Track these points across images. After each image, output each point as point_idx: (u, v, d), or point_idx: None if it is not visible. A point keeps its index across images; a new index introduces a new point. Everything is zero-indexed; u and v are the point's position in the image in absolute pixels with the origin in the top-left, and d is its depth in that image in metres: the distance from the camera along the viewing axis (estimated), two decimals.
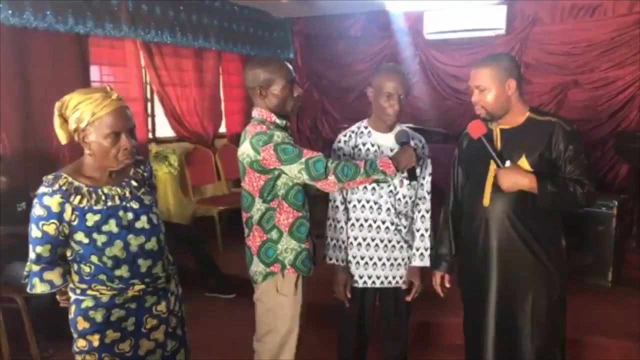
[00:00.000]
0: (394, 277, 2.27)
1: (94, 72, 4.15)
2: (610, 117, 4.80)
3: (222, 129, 5.55)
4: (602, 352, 2.96)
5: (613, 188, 4.72)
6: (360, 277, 2.27)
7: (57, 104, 1.64)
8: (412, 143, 2.15)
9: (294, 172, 1.91)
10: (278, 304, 2.05)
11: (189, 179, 5.00)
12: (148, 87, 4.79)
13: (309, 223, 2.07)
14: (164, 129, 5.04)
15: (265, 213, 2.01)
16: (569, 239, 2.02)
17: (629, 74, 4.68)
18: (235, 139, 5.30)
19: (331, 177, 1.89)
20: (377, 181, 2.04)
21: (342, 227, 2.26)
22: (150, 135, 4.85)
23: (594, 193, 1.88)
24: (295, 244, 2.03)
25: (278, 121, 2.03)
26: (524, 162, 1.90)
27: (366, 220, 2.24)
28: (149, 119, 4.85)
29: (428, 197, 2.32)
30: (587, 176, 1.88)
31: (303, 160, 1.89)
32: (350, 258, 2.27)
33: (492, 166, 1.94)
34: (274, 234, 2.02)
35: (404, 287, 2.29)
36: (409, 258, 2.29)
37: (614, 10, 4.71)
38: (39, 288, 1.67)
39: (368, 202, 2.22)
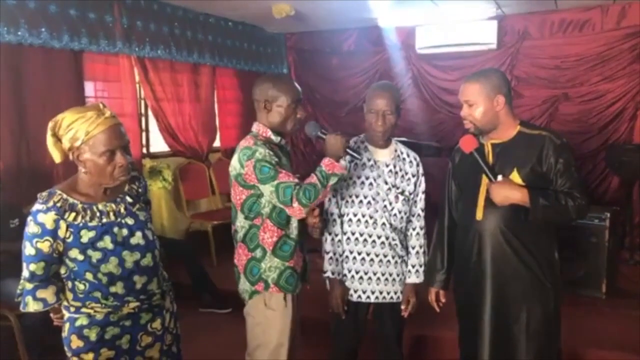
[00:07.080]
0: (388, 293, 2.27)
1: (89, 88, 4.15)
2: (601, 130, 4.85)
3: (217, 143, 5.57)
4: None
5: (605, 200, 4.76)
6: (355, 291, 2.27)
7: (50, 124, 1.64)
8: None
9: (267, 192, 1.92)
10: (266, 318, 2.05)
11: (183, 193, 5.00)
12: (142, 102, 4.80)
13: (294, 241, 2.06)
14: (157, 143, 5.04)
15: (249, 230, 2.01)
16: (562, 252, 2.03)
17: (619, 87, 4.74)
18: (229, 154, 5.30)
19: (295, 204, 1.89)
20: (335, 182, 1.95)
21: (339, 240, 2.27)
22: (144, 150, 4.85)
23: (585, 206, 1.89)
24: (278, 263, 2.02)
25: (273, 137, 2.04)
26: (515, 176, 1.92)
27: (361, 235, 2.24)
28: (143, 134, 4.85)
29: (422, 214, 2.33)
30: (578, 189, 1.90)
31: (275, 183, 1.90)
32: (345, 271, 2.27)
33: (485, 180, 1.96)
34: (257, 253, 2.02)
35: (402, 306, 2.27)
36: (403, 273, 2.30)
37: (602, 25, 4.78)
38: (32, 306, 1.66)
39: (364, 216, 2.23)
